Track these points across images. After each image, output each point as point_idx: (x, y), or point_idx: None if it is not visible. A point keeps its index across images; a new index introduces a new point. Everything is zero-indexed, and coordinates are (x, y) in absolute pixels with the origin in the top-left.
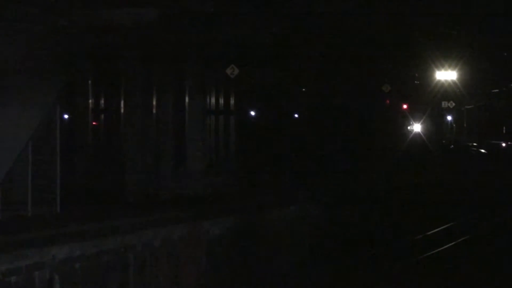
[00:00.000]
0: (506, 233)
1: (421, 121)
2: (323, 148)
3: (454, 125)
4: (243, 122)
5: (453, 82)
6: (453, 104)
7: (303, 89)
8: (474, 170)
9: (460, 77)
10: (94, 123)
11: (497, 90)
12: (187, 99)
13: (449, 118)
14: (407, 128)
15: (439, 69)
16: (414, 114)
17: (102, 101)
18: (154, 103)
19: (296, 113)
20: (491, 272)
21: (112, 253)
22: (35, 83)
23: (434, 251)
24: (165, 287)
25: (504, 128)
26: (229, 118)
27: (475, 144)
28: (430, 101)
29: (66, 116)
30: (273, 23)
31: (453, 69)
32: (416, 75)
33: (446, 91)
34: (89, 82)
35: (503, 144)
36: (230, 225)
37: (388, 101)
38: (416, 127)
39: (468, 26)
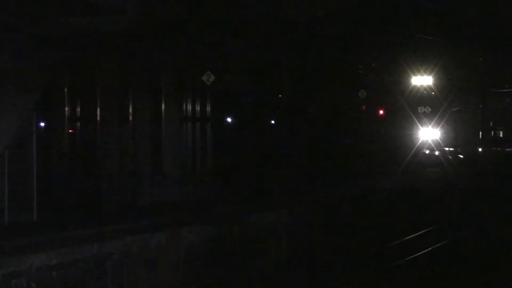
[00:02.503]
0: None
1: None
2: (299, 154)
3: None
4: (220, 128)
5: (429, 87)
6: (429, 109)
7: (280, 95)
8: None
9: (436, 82)
10: (70, 131)
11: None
12: (163, 106)
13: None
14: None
15: (415, 75)
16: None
17: (78, 109)
18: (130, 110)
19: (273, 119)
20: None
21: (89, 261)
22: (11, 92)
23: None
24: None
25: (480, 133)
26: (205, 125)
27: (451, 149)
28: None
29: (42, 124)
30: (247, 30)
31: (429, 74)
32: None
33: (422, 96)
34: (65, 90)
35: (479, 149)
36: (208, 231)
37: (364, 107)
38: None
39: (444, 32)
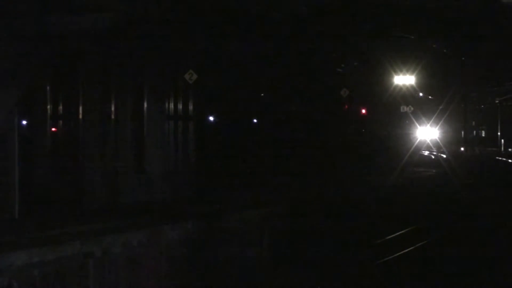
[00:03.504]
0: None
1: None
2: (281, 152)
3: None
4: (202, 127)
5: (411, 86)
6: (412, 108)
7: (262, 94)
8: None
9: (418, 82)
10: (53, 129)
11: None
12: (145, 105)
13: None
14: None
15: (397, 74)
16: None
17: (60, 108)
18: (113, 109)
19: (255, 118)
20: None
21: (71, 260)
22: None
23: None
24: None
25: (462, 132)
26: (188, 123)
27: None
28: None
29: (24, 123)
30: (231, 28)
31: (411, 73)
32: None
33: (404, 95)
34: (48, 88)
35: (462, 149)
36: (190, 229)
37: (346, 106)
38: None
39: (426, 31)
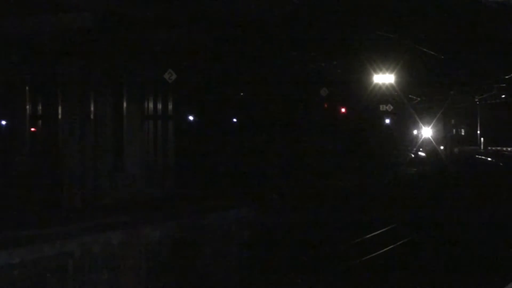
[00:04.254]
0: None
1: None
2: (261, 151)
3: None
4: (182, 126)
5: (391, 85)
6: (391, 107)
7: (241, 94)
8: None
9: (398, 80)
10: (32, 129)
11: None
12: (125, 104)
13: (387, 121)
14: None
15: (376, 73)
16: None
17: (40, 107)
18: (92, 108)
19: (235, 118)
20: None
21: (51, 260)
22: None
23: None
24: None
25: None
26: (167, 122)
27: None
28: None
29: (3, 123)
30: (210, 29)
31: (391, 72)
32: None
33: (384, 94)
34: (27, 88)
35: (441, 147)
36: (170, 229)
37: (326, 105)
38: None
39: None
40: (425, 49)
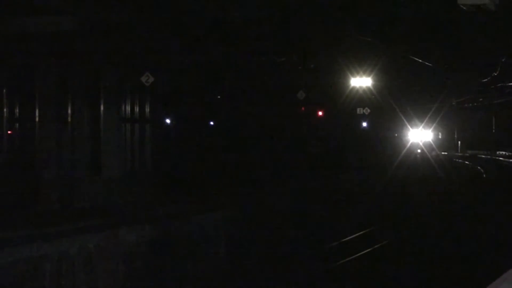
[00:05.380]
0: None
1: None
2: (238, 155)
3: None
4: (159, 129)
5: (368, 88)
6: (368, 110)
7: (219, 97)
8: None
9: (375, 84)
10: (9, 132)
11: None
12: (102, 107)
13: (364, 124)
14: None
15: (354, 76)
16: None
17: (16, 110)
18: (69, 111)
19: (212, 121)
20: None
21: (27, 263)
22: None
23: None
24: None
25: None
26: (145, 126)
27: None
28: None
29: None
30: (186, 33)
31: (368, 75)
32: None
33: (361, 97)
34: (4, 91)
35: (419, 151)
36: (147, 232)
37: (303, 108)
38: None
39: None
40: (401, 53)
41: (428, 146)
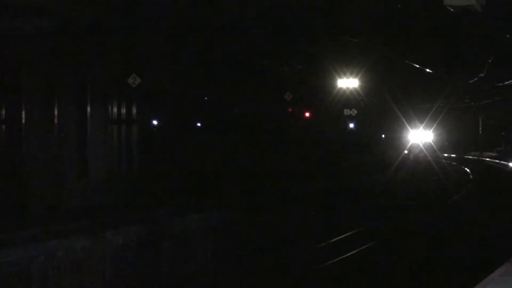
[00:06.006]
0: None
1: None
2: (225, 156)
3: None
4: (146, 131)
5: (355, 89)
6: (355, 111)
7: (206, 98)
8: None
9: (362, 85)
10: None
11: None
12: (89, 109)
13: (351, 125)
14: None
15: (340, 77)
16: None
17: (3, 112)
18: (56, 113)
19: (199, 122)
20: None
21: (14, 265)
22: None
23: None
24: None
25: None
26: (131, 127)
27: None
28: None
29: None
30: (173, 34)
31: (355, 76)
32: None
33: (348, 98)
34: None
35: (405, 151)
36: (134, 234)
37: (290, 109)
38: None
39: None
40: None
41: (429, 147)
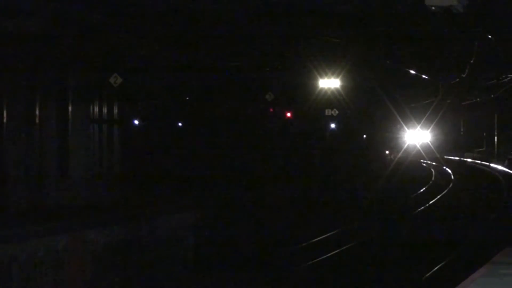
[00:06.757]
0: None
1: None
2: (207, 156)
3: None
4: (127, 130)
5: (336, 90)
6: (337, 111)
7: (187, 98)
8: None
9: (343, 85)
10: None
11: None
12: (70, 108)
13: (332, 125)
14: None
15: (322, 77)
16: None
17: None
18: (37, 112)
19: (180, 122)
20: None
21: None
22: None
23: None
24: None
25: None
26: (113, 126)
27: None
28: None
29: None
30: (155, 34)
31: (336, 77)
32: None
33: (329, 99)
34: None
35: (387, 152)
36: (115, 233)
37: (271, 109)
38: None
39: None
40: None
41: (426, 148)
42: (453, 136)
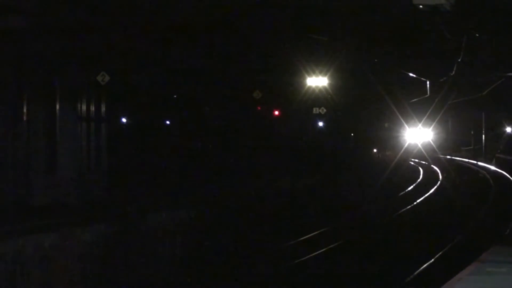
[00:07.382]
0: None
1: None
2: (195, 154)
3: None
4: (115, 128)
5: (324, 88)
6: (324, 110)
7: (175, 96)
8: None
9: (331, 83)
10: None
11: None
12: (57, 106)
13: (320, 124)
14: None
15: (310, 76)
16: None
17: None
18: (25, 110)
19: (168, 120)
20: None
21: None
22: None
23: None
24: None
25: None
26: (100, 124)
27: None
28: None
29: None
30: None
31: (324, 75)
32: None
33: (317, 97)
34: None
35: (375, 150)
36: (102, 231)
37: (259, 108)
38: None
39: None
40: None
41: (428, 146)
42: (442, 136)
